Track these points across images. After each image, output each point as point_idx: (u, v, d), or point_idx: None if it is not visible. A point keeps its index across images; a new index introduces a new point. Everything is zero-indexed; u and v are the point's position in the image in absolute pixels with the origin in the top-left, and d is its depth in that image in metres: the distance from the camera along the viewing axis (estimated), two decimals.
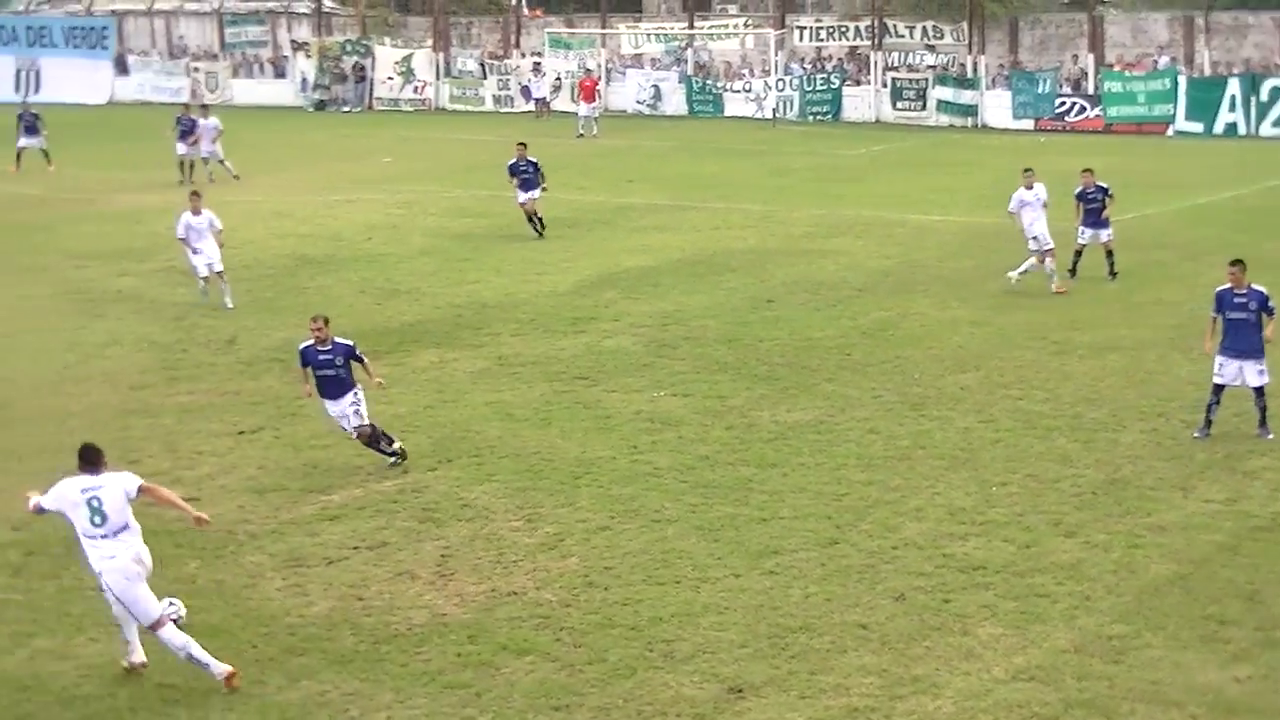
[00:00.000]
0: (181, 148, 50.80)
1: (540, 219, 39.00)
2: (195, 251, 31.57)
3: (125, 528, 14.61)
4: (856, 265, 34.85)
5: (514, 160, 38.83)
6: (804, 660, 14.92)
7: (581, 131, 64.28)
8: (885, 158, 56.46)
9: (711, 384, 25.07)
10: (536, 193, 38.74)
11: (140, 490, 14.77)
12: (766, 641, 15.34)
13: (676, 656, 15.09)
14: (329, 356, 20.66)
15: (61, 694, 14.59)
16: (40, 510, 14.91)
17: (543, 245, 37.85)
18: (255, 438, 22.68)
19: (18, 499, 19.80)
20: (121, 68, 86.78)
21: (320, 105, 79.36)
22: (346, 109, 78.73)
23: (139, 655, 14.90)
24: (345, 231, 40.94)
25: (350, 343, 21.01)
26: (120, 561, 14.50)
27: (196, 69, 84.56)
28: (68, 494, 14.65)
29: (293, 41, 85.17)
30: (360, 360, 20.93)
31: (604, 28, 78.51)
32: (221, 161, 51.35)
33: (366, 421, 20.81)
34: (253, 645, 15.53)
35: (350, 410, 20.70)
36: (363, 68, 79.47)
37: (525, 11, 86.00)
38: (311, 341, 20.80)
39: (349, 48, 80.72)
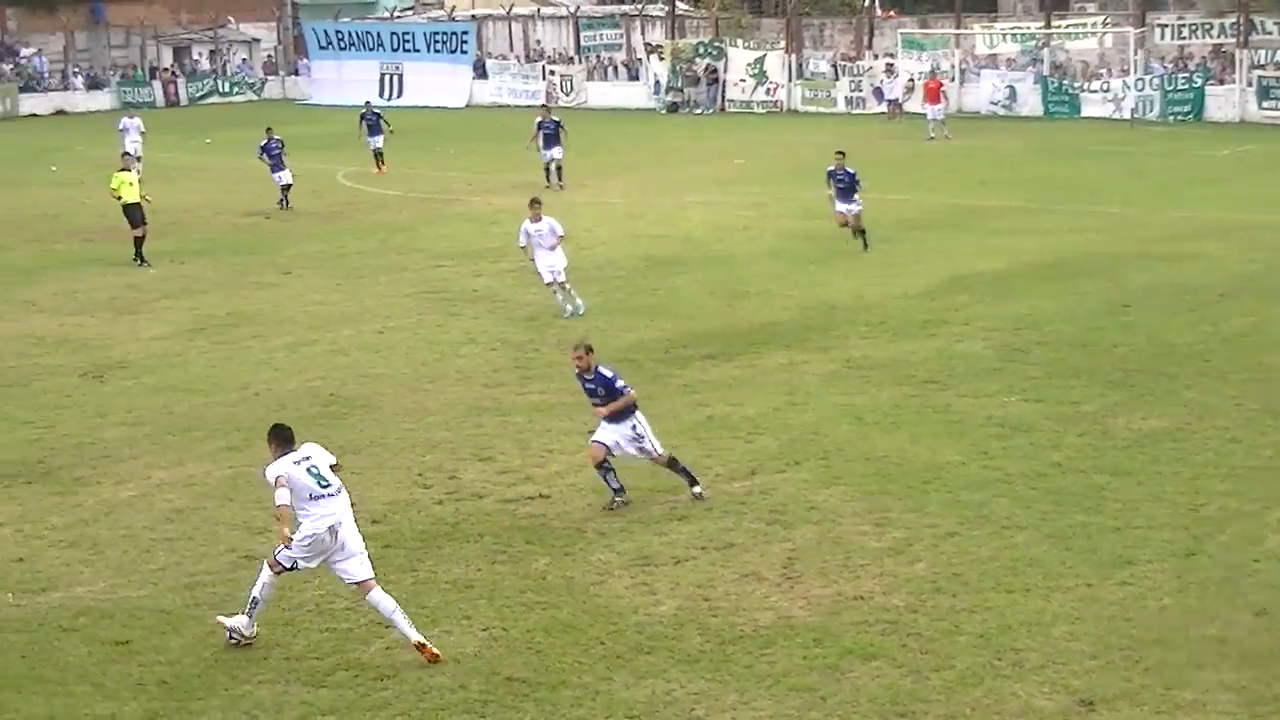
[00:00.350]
0: (547, 154, 51.17)
1: (862, 232, 37.29)
2: (535, 259, 31.45)
3: (340, 490, 15.79)
4: (1219, 269, 33.84)
5: (831, 168, 37.47)
6: (1158, 674, 14.50)
7: (932, 134, 63.70)
8: (1251, 158, 54.77)
9: (1064, 389, 24.58)
10: (855, 206, 37.18)
11: (333, 466, 16.04)
12: (1119, 654, 14.96)
13: (1026, 666, 14.81)
14: (592, 386, 19.91)
15: (416, 684, 14.90)
16: (281, 509, 15.50)
17: (892, 248, 37.54)
18: None
19: (378, 488, 20.52)
20: (480, 71, 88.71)
21: (673, 107, 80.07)
22: (699, 111, 79.31)
23: (247, 628, 15.88)
24: (696, 233, 41.21)
25: (611, 374, 19.87)
26: (346, 517, 15.71)
27: (553, 72, 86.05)
28: (293, 474, 15.59)
29: (646, 44, 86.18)
30: (619, 394, 19.70)
31: (958, 28, 77.72)
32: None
33: (660, 450, 19.89)
34: (600, 642, 15.68)
35: (626, 438, 19.67)
36: (715, 70, 79.96)
37: (879, 12, 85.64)
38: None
39: (702, 50, 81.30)
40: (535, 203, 31.97)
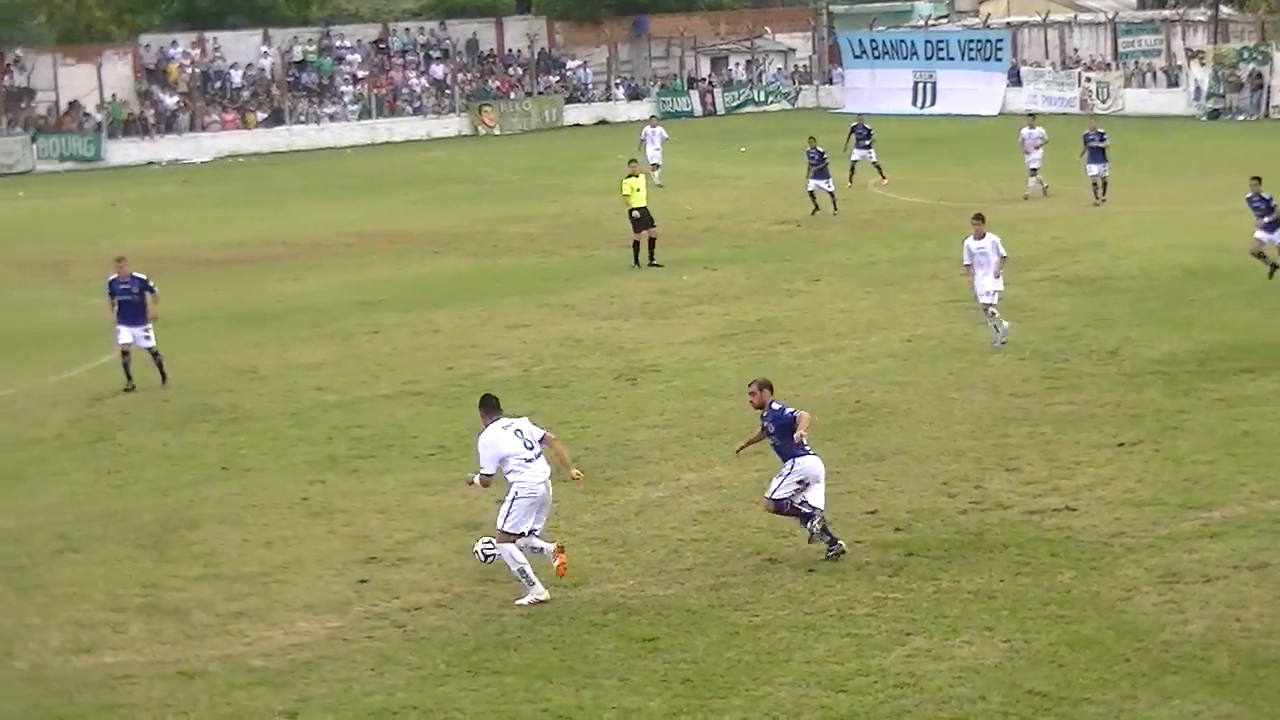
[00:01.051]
0: (1093, 169, 49.38)
1: (1275, 266, 33.70)
2: (974, 278, 29.71)
3: (540, 454, 17.74)
4: None
5: (1249, 195, 34.89)
6: None
7: None
8: None
9: None
10: (1275, 235, 34.05)
11: (543, 439, 17.94)
12: None
13: None
14: (764, 423, 19.07)
15: (936, 694, 14.85)
16: (486, 479, 17.84)
17: None
18: (1135, 450, 22.37)
19: (903, 496, 20.54)
20: (1014, 79, 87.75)
21: (1214, 114, 77.58)
22: (1241, 118, 76.60)
23: (554, 556, 17.89)
24: (1235, 244, 39.69)
25: (780, 406, 18.90)
26: (539, 478, 17.70)
27: (1088, 79, 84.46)
28: (499, 439, 17.72)
29: (1187, 50, 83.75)
30: (792, 420, 18.64)
31: None
32: (1034, 171, 50.60)
33: (781, 496, 18.65)
34: (1125, 659, 15.34)
35: (776, 478, 18.80)
36: (1260, 75, 77.13)
37: None
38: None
39: (1246, 54, 78.52)
40: (979, 218, 30.27)
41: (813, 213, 48.59)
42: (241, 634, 17.35)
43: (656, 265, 40.56)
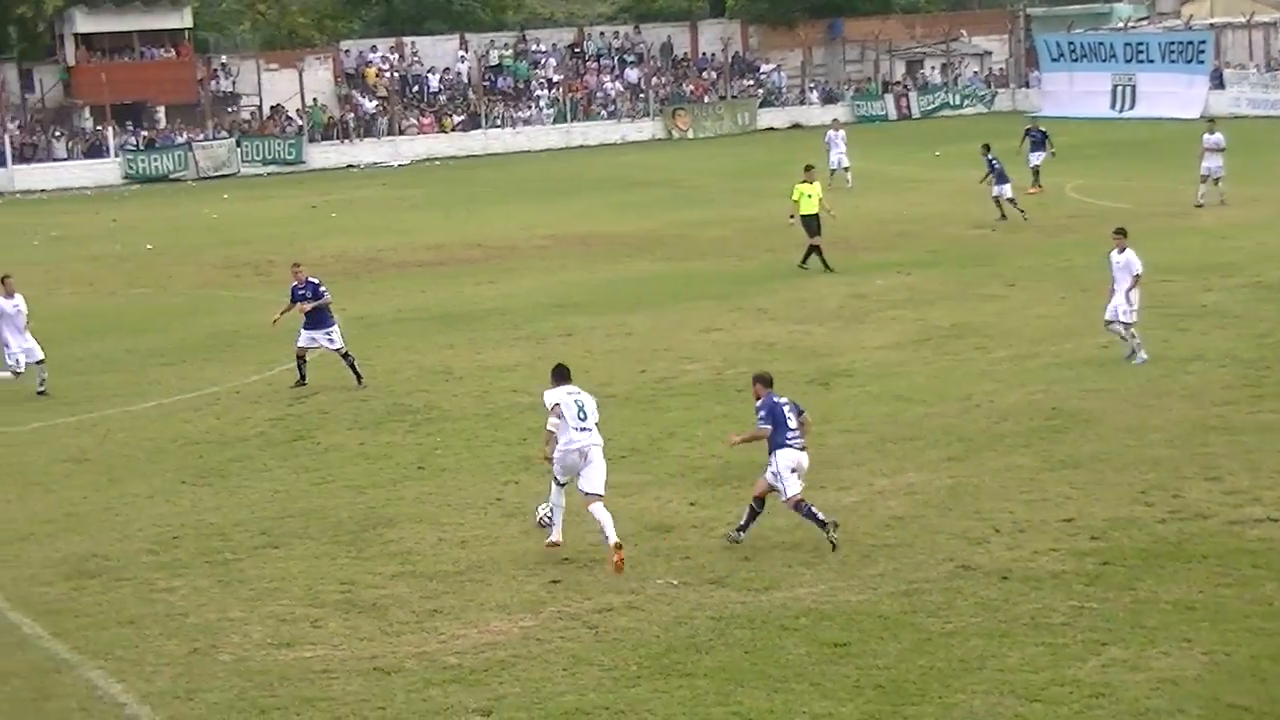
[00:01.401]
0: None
1: None
2: (1113, 292, 28.73)
3: (594, 429, 19.52)
4: None
5: None
6: None
7: None
8: None
9: None
10: None
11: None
12: None
13: None
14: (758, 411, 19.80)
15: (1132, 705, 14.64)
16: (554, 411, 19.45)
17: None
18: None
19: (1098, 504, 20.28)
20: (1217, 81, 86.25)
21: None
22: None
23: (557, 536, 19.76)
24: None
25: (760, 403, 19.74)
26: (577, 443, 19.37)
27: None
28: (557, 396, 19.56)
29: None
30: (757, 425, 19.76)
31: None
32: (1216, 181, 49.17)
33: (794, 493, 19.49)
34: None
35: (772, 477, 19.60)
36: None
37: None
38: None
39: None
40: (1119, 232, 29.30)
41: (1000, 219, 48.16)
42: (437, 632, 17.56)
43: (804, 268, 41.14)
